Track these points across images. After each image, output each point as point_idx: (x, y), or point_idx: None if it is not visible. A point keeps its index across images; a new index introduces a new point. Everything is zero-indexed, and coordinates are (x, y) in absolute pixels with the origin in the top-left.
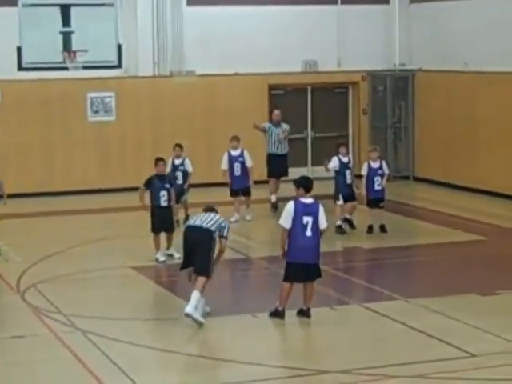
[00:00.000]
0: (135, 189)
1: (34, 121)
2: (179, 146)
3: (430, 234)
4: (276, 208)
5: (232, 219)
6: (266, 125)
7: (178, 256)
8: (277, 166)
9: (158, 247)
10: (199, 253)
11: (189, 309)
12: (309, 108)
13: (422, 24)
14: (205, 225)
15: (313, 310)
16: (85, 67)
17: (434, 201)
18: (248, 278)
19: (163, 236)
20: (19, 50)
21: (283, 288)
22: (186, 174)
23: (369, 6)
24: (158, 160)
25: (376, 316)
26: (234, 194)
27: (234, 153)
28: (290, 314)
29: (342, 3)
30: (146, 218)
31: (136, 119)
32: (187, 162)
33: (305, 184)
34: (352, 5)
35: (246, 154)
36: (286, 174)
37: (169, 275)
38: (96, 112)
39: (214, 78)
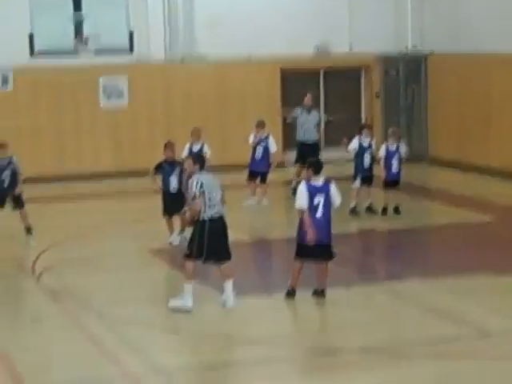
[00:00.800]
0: (148, 173)
1: (46, 107)
2: (197, 130)
3: (443, 215)
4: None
5: (249, 202)
6: (297, 111)
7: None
8: (307, 155)
9: (171, 230)
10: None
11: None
12: (321, 91)
13: (434, 5)
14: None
15: (328, 290)
16: (96, 53)
17: (448, 182)
18: (264, 259)
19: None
20: (31, 36)
21: (294, 267)
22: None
23: None
24: (166, 145)
25: (391, 296)
26: (251, 176)
27: (259, 135)
28: (306, 294)
29: None
30: (159, 201)
31: (148, 104)
32: (206, 147)
33: (314, 164)
34: None
35: (271, 138)
36: None
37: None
38: (108, 97)
39: (225, 63)
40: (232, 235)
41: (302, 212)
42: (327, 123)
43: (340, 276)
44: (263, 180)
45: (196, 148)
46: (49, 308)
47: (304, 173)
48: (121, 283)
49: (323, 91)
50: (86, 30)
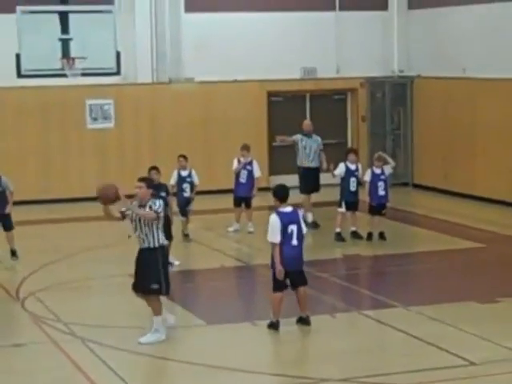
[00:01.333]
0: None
1: (32, 127)
2: (184, 156)
3: (429, 241)
4: (317, 226)
5: (230, 229)
6: (298, 136)
7: (178, 263)
8: (310, 180)
9: None
10: None
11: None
12: (307, 115)
13: (420, 30)
14: None
15: (312, 318)
16: (83, 74)
17: (433, 208)
18: (248, 285)
19: None
20: (18, 56)
21: (274, 299)
22: (193, 186)
23: (367, 13)
24: (151, 169)
25: (376, 324)
26: (236, 202)
27: (244, 160)
28: (290, 322)
29: (340, 9)
30: None
31: (135, 126)
32: (194, 174)
33: (279, 194)
34: (350, 11)
35: (255, 163)
36: (317, 189)
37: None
38: (95, 119)
39: (212, 85)
40: (217, 261)
41: (275, 245)
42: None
43: (324, 303)
44: (248, 205)
45: (184, 174)
46: (33, 333)
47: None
48: (105, 308)
49: (309, 114)
50: (73, 50)
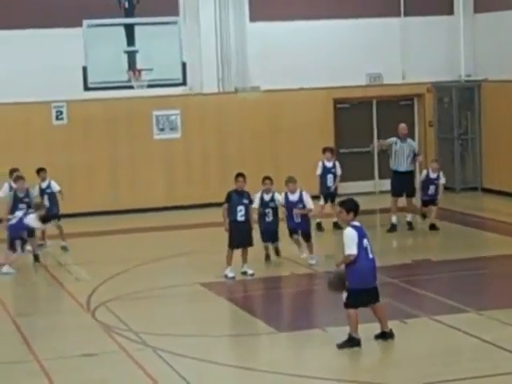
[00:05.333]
0: (201, 206)
1: (99, 140)
2: (269, 178)
3: (499, 246)
4: (394, 230)
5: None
6: (393, 139)
7: (251, 273)
8: (400, 184)
9: (229, 263)
10: None
11: None
12: (374, 121)
13: (486, 33)
14: None
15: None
16: (150, 85)
17: (502, 212)
18: (318, 292)
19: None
20: (85, 70)
21: (351, 315)
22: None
23: (433, 18)
24: (238, 175)
25: (447, 329)
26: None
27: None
28: (360, 329)
29: (405, 15)
30: (213, 234)
31: (201, 136)
32: (277, 197)
33: (354, 208)
34: (415, 16)
35: (304, 195)
36: (410, 193)
37: (238, 291)
38: (162, 130)
39: (278, 93)
40: (286, 269)
41: (351, 257)
42: (380, 154)
43: (395, 309)
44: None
45: (267, 197)
46: (104, 343)
47: (341, 214)
48: (175, 317)
49: (376, 121)
50: (139, 62)
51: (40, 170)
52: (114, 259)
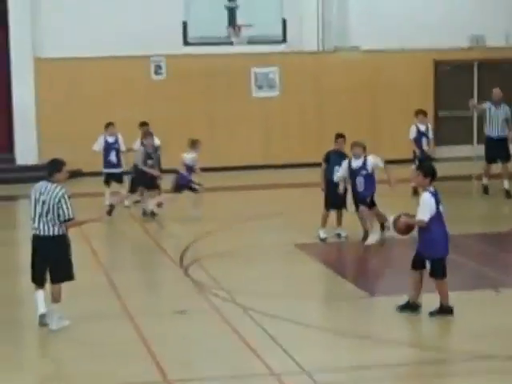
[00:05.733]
0: (298, 165)
1: (198, 96)
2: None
3: None
4: (486, 192)
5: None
6: (487, 104)
7: (345, 235)
8: (494, 149)
9: (324, 224)
10: None
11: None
12: (475, 84)
13: None
14: None
15: (476, 293)
16: (249, 42)
17: None
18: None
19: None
20: (185, 24)
21: (444, 285)
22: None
23: None
24: (338, 136)
25: None
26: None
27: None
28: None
29: None
30: (310, 194)
31: (300, 95)
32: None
33: (433, 173)
34: None
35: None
36: (505, 158)
37: (331, 253)
38: (260, 87)
39: (378, 54)
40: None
41: (423, 223)
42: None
43: (489, 278)
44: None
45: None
46: (195, 300)
47: (418, 178)
48: (267, 277)
49: (477, 84)
50: (240, 18)
51: (142, 124)
52: (210, 217)
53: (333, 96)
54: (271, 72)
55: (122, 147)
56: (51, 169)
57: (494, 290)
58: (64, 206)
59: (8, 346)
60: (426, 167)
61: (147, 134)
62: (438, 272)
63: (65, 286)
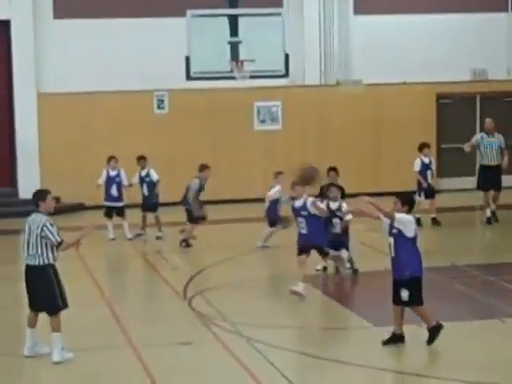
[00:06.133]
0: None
1: (200, 129)
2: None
3: None
4: (490, 222)
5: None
6: (478, 136)
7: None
8: (486, 178)
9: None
10: None
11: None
12: (478, 117)
13: None
14: None
15: (481, 322)
16: (252, 76)
17: None
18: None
19: None
20: (187, 59)
21: (425, 311)
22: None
23: None
24: (330, 170)
25: None
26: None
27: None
28: (458, 326)
29: None
30: None
31: (302, 128)
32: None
33: (411, 203)
34: None
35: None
36: (496, 187)
37: (334, 284)
38: (262, 121)
39: (381, 87)
40: (381, 263)
41: (392, 216)
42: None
43: (493, 307)
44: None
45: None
46: (200, 332)
47: (396, 206)
48: (271, 308)
49: (479, 117)
50: (242, 53)
51: (140, 158)
52: (212, 249)
53: (335, 129)
54: (274, 106)
55: (125, 181)
56: (36, 199)
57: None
58: (49, 234)
59: (9, 378)
60: (405, 196)
61: (205, 168)
62: (416, 298)
63: (68, 318)
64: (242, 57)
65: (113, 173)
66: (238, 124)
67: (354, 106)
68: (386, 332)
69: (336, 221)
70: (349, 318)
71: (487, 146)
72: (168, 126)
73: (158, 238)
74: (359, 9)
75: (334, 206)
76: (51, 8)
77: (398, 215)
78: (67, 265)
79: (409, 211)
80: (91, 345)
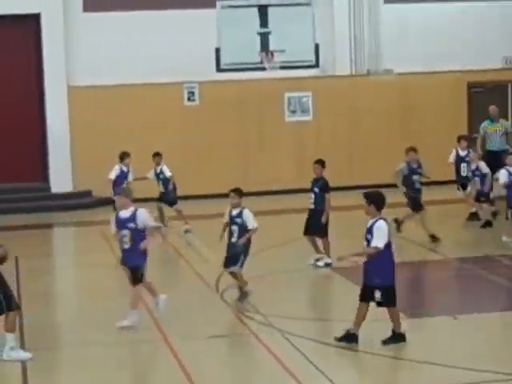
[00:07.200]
0: (332, 189)
1: (231, 121)
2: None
3: None
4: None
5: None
6: (484, 123)
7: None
8: (493, 164)
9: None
10: None
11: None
12: (509, 105)
13: None
14: None
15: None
16: (282, 67)
17: None
18: (448, 279)
19: None
20: (217, 51)
21: (396, 312)
22: None
23: None
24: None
25: None
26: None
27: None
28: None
29: None
30: (342, 219)
31: (333, 119)
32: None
33: (383, 203)
34: None
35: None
36: None
37: None
38: (293, 112)
39: (411, 76)
40: (416, 254)
41: (377, 251)
42: None
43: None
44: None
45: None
46: (232, 324)
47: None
48: (305, 300)
49: (511, 105)
50: (272, 44)
51: (155, 155)
52: None
53: (366, 119)
54: (304, 96)
55: (130, 177)
56: None
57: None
58: None
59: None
60: (372, 195)
61: (410, 150)
62: (391, 300)
63: (103, 313)
64: (272, 47)
65: (126, 168)
66: (269, 115)
67: (384, 96)
68: (421, 323)
69: (234, 228)
70: (382, 309)
71: (492, 131)
72: (198, 118)
73: (187, 231)
74: None
75: (234, 212)
76: (81, 1)
77: (373, 243)
78: (100, 258)
79: (378, 210)
80: (125, 338)
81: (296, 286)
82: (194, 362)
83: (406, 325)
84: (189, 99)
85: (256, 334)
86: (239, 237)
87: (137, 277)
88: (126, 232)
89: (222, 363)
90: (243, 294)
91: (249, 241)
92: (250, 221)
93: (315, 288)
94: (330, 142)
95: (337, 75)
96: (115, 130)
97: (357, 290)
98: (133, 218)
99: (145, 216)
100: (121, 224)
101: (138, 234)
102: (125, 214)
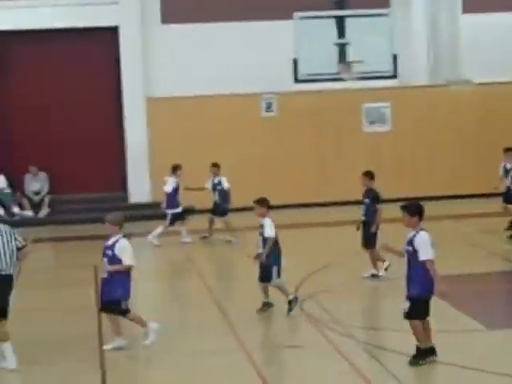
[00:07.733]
0: (410, 199)
1: (308, 132)
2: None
3: None
4: None
5: None
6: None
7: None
8: None
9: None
10: None
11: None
12: None
13: None
14: None
15: None
16: (360, 78)
17: None
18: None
19: None
20: (295, 62)
21: (418, 327)
22: None
23: None
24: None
25: None
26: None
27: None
28: None
29: None
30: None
31: (412, 129)
32: None
33: (419, 211)
34: None
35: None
36: None
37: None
38: (372, 122)
39: (491, 86)
40: (495, 265)
41: (431, 263)
42: None
43: None
44: None
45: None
46: (310, 335)
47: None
48: (382, 311)
49: None
50: (350, 55)
51: (214, 166)
52: (320, 251)
53: (444, 130)
54: (383, 107)
55: (169, 188)
56: None
57: None
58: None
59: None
60: (412, 207)
61: (508, 150)
62: (417, 313)
63: (178, 323)
64: (349, 58)
65: (178, 180)
66: (346, 126)
67: (463, 106)
68: (500, 335)
69: (260, 238)
70: (459, 319)
71: None
72: (276, 129)
73: (228, 241)
74: (468, 7)
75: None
76: (159, 13)
77: (423, 256)
78: (179, 267)
79: (419, 220)
80: (203, 348)
81: (375, 296)
82: (272, 372)
83: (485, 337)
84: (266, 110)
85: (335, 344)
86: (263, 248)
87: (117, 310)
88: (104, 260)
89: (299, 373)
90: (290, 303)
91: (272, 250)
92: (266, 230)
93: (393, 298)
94: (409, 153)
95: (415, 85)
96: (193, 141)
97: (435, 300)
98: (113, 245)
99: (123, 248)
100: (103, 251)
101: (116, 263)
102: (108, 241)
